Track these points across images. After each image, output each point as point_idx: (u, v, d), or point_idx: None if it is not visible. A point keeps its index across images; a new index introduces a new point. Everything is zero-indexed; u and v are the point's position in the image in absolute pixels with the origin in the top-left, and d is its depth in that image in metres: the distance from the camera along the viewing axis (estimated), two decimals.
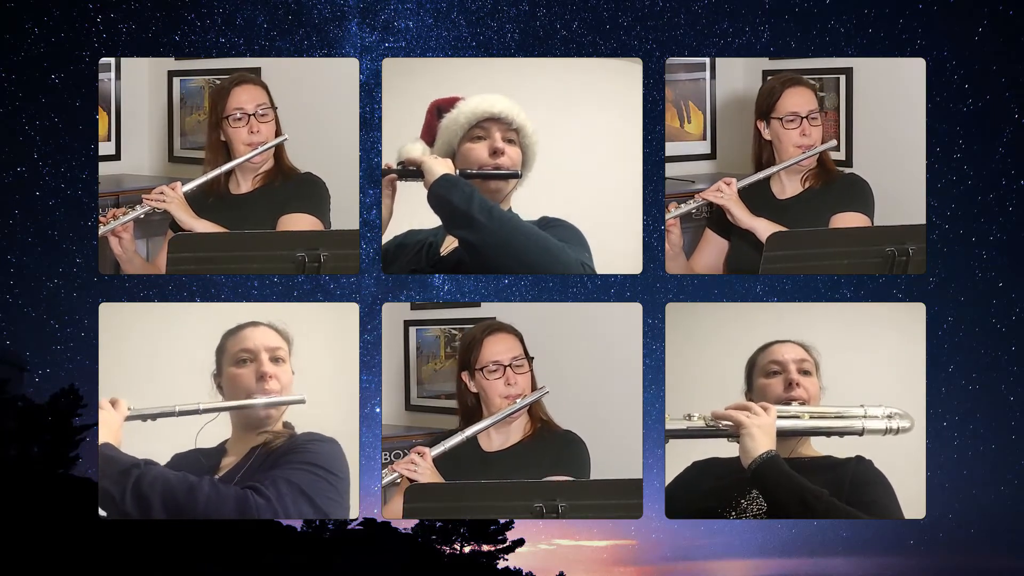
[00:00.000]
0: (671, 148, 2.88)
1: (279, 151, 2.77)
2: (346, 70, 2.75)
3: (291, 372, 2.57)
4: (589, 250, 2.52)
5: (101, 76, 2.87)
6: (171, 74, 2.94)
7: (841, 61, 2.82)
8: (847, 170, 2.79)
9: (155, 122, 2.95)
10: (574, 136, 2.76)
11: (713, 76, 2.89)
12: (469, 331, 2.65)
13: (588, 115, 2.76)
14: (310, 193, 2.74)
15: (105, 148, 2.90)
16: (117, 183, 2.89)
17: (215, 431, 2.56)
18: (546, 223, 2.55)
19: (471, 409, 2.63)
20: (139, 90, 2.93)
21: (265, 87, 2.74)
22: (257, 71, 2.79)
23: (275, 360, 2.53)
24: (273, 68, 2.78)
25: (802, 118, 2.71)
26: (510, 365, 2.57)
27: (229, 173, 2.75)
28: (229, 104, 2.70)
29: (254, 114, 2.71)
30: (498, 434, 2.62)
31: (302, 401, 2.56)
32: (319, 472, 2.47)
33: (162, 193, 2.66)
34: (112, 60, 2.90)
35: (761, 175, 2.75)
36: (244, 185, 2.78)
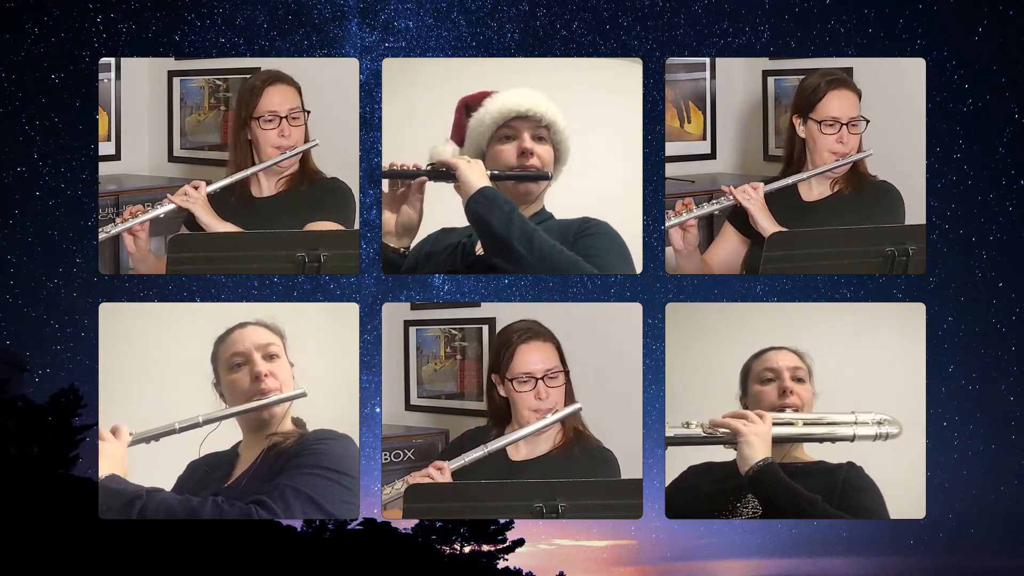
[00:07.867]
0: (671, 148, 2.87)
1: (305, 154, 2.72)
2: (346, 70, 2.75)
3: (289, 365, 2.52)
4: (629, 257, 2.48)
5: (101, 76, 2.87)
6: (171, 74, 2.93)
7: (841, 61, 2.81)
8: (879, 177, 2.73)
9: (155, 122, 2.95)
10: (574, 136, 2.75)
11: (713, 76, 2.89)
12: (505, 331, 2.56)
13: (588, 115, 2.76)
14: (338, 200, 2.70)
15: (105, 148, 2.89)
16: (117, 183, 2.89)
17: (226, 435, 2.52)
18: (586, 226, 2.48)
19: (500, 410, 2.56)
20: (139, 90, 2.92)
21: (298, 88, 2.69)
22: (256, 71, 2.78)
23: (268, 357, 2.48)
24: (272, 68, 2.76)
25: (842, 124, 2.66)
26: (543, 378, 2.48)
27: None
28: (261, 105, 2.65)
29: (286, 117, 2.66)
30: (526, 443, 2.55)
31: (303, 395, 2.51)
32: (329, 475, 2.41)
33: (186, 193, 2.62)
34: (112, 60, 2.90)
35: (789, 180, 2.70)
36: (267, 188, 2.74)
